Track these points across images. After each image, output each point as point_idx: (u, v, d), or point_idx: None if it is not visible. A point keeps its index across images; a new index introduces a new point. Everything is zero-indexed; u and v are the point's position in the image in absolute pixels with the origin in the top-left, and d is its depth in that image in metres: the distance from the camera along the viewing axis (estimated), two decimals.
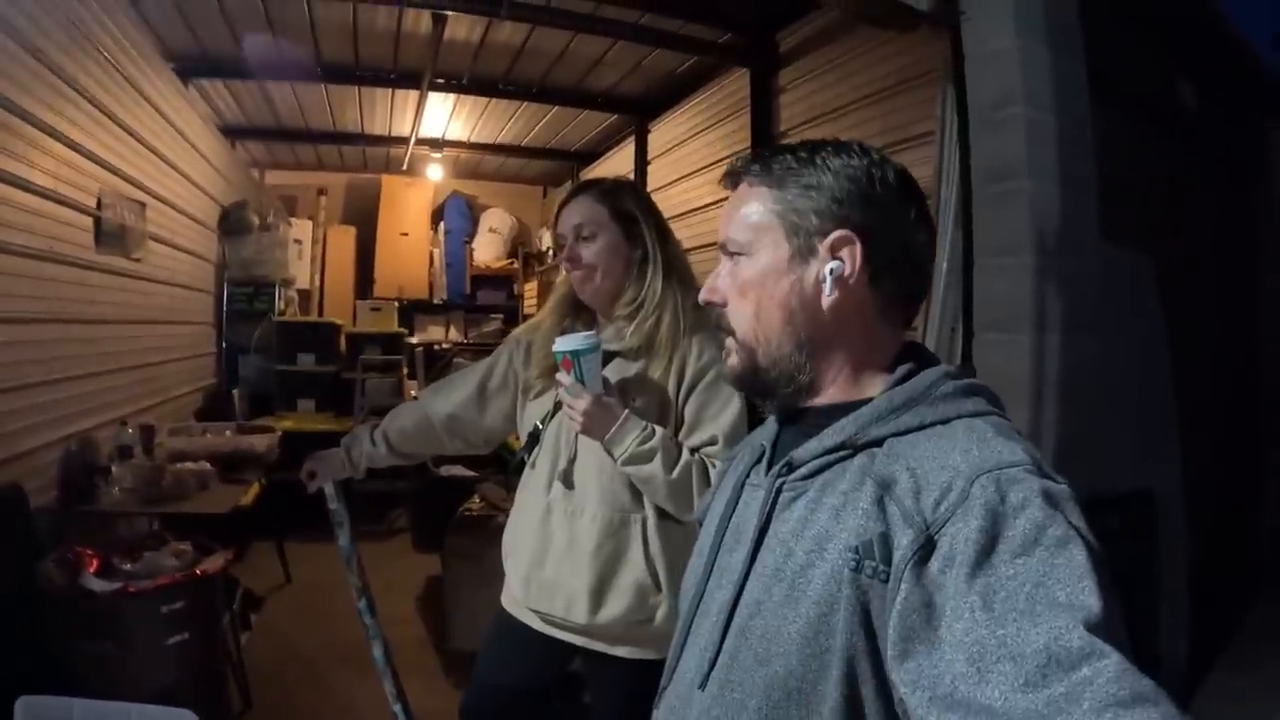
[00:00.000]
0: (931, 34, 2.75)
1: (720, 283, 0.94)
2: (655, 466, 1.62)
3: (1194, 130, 4.26)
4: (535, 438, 1.84)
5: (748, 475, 0.97)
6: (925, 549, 0.71)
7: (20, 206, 2.72)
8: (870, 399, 0.86)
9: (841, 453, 0.84)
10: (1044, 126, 2.47)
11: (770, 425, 1.01)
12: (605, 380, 1.69)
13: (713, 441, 1.68)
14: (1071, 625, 0.60)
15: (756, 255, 0.90)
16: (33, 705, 1.91)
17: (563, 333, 1.79)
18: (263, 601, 4.04)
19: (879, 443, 0.82)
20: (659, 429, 1.65)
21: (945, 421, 0.81)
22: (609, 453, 1.66)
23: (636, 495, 1.69)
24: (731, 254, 0.93)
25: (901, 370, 0.87)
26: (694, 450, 1.68)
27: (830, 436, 0.85)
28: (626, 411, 1.64)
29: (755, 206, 0.91)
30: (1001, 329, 2.49)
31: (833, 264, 0.86)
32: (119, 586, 2.28)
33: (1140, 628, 2.73)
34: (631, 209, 1.78)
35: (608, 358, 1.74)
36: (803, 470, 0.86)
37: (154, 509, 3.03)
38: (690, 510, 1.64)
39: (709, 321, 1.74)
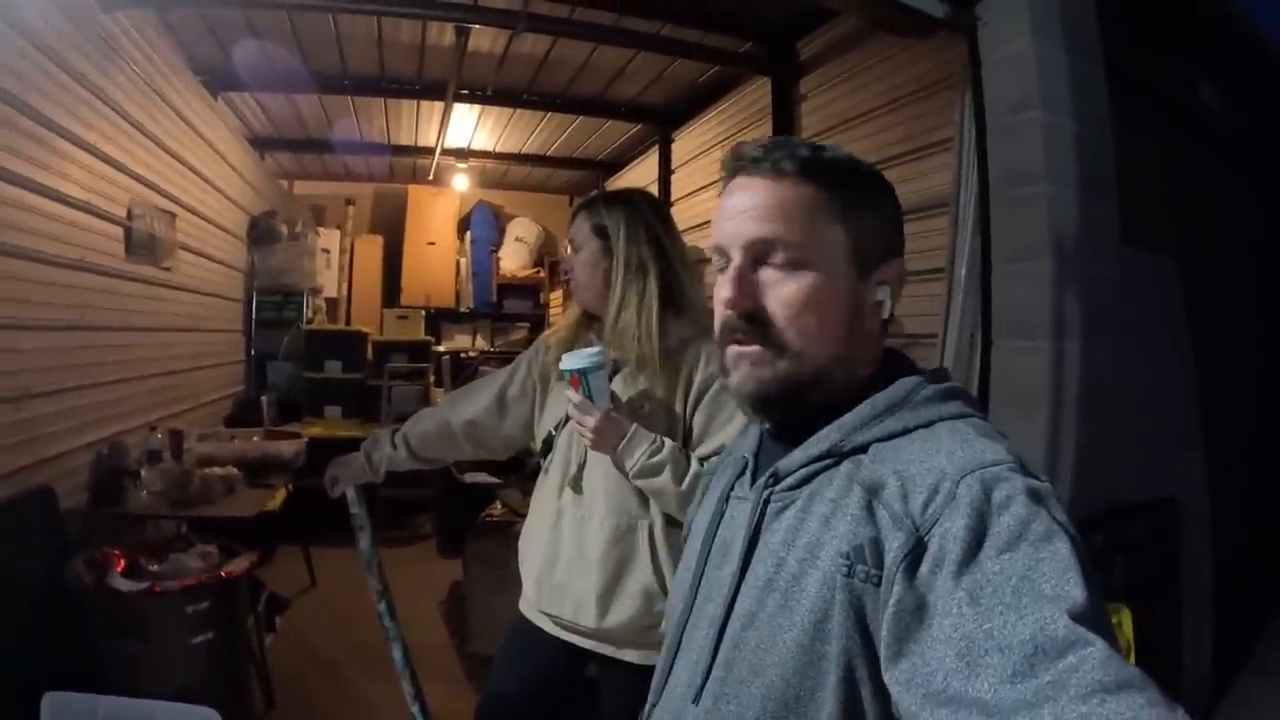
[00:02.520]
0: (949, 40, 2.75)
1: (751, 287, 0.88)
2: (665, 479, 1.65)
3: (1219, 132, 4.21)
4: (550, 445, 1.88)
5: (732, 488, 0.97)
6: (916, 551, 0.72)
7: (53, 217, 2.78)
8: (852, 402, 0.86)
9: (827, 460, 0.84)
10: (1061, 130, 2.45)
11: (751, 437, 0.99)
12: (613, 394, 1.72)
13: (721, 451, 1.69)
14: (1057, 615, 0.61)
15: (819, 268, 0.86)
16: (59, 702, 1.95)
17: (575, 344, 1.82)
18: (288, 604, 4.09)
19: (864, 449, 0.82)
20: (668, 441, 1.68)
21: (927, 425, 0.82)
22: (620, 466, 1.69)
23: (644, 501, 1.72)
24: (775, 255, 0.86)
25: (882, 378, 0.88)
26: (703, 460, 1.69)
27: (815, 445, 0.85)
28: (635, 426, 1.68)
29: (815, 208, 0.86)
30: (1021, 335, 2.47)
31: (885, 290, 0.88)
32: (145, 586, 2.32)
33: (1163, 635, 2.69)
34: (604, 223, 1.81)
35: (616, 367, 1.78)
36: (789, 480, 0.86)
37: (181, 512, 3.09)
38: None
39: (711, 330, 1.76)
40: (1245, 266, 4.51)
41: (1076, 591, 0.63)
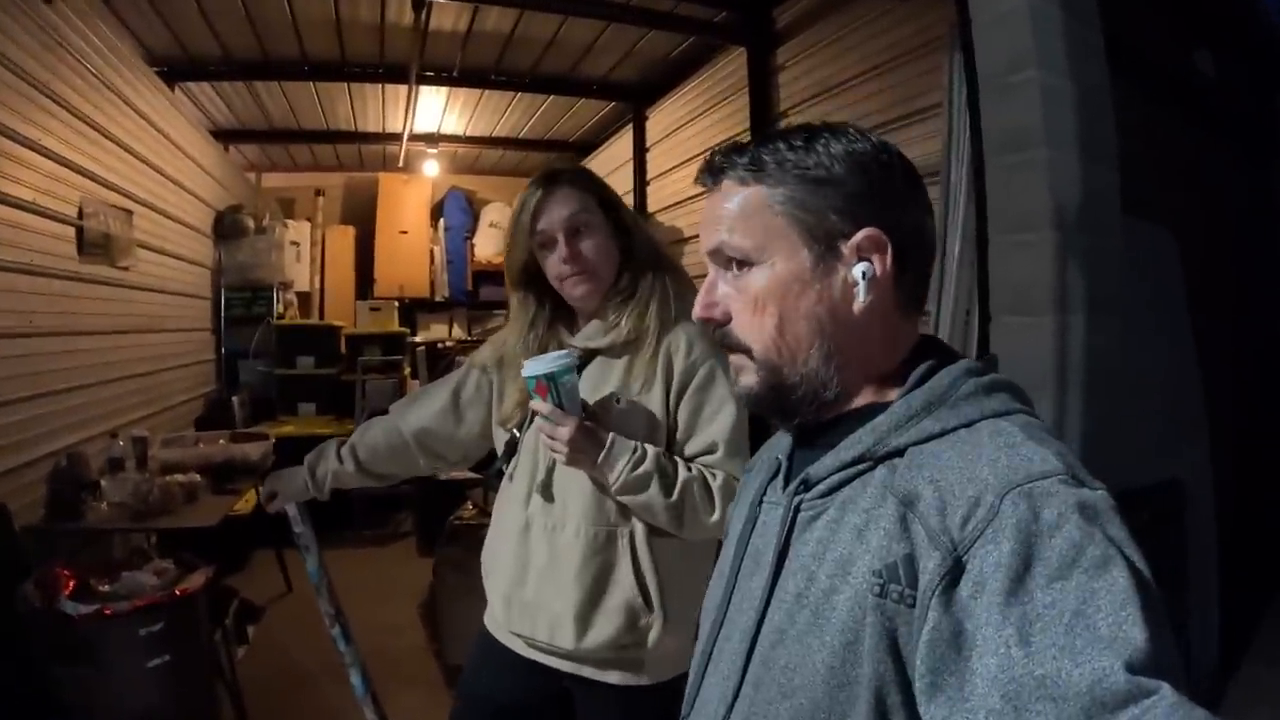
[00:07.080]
0: (931, 1, 2.63)
1: (718, 296, 0.86)
2: (652, 493, 1.48)
3: (1213, 101, 4.12)
4: (513, 447, 1.70)
5: (764, 492, 0.91)
6: (954, 573, 0.65)
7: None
8: (888, 404, 0.80)
9: (860, 466, 0.78)
10: (1060, 92, 2.31)
11: (785, 436, 0.93)
12: (584, 402, 1.54)
13: (711, 450, 1.53)
14: (1115, 664, 0.56)
15: (769, 263, 0.81)
16: None
17: (548, 348, 1.65)
18: (262, 612, 3.97)
19: (900, 453, 0.76)
20: (650, 449, 1.50)
21: (969, 425, 0.75)
22: (599, 482, 1.52)
23: (623, 507, 1.55)
24: (732, 261, 0.83)
25: (920, 370, 0.80)
26: (691, 459, 1.54)
27: (846, 450, 0.79)
28: (613, 436, 1.50)
29: (755, 207, 0.82)
30: (1021, 311, 2.35)
31: (862, 266, 0.79)
32: (94, 609, 2.18)
33: (1172, 623, 2.62)
34: (610, 194, 1.65)
35: (588, 357, 1.61)
36: (820, 487, 0.80)
37: (140, 525, 2.95)
38: (697, 529, 1.51)
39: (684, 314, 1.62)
40: (1244, 241, 4.43)
41: (1135, 631, 0.57)
